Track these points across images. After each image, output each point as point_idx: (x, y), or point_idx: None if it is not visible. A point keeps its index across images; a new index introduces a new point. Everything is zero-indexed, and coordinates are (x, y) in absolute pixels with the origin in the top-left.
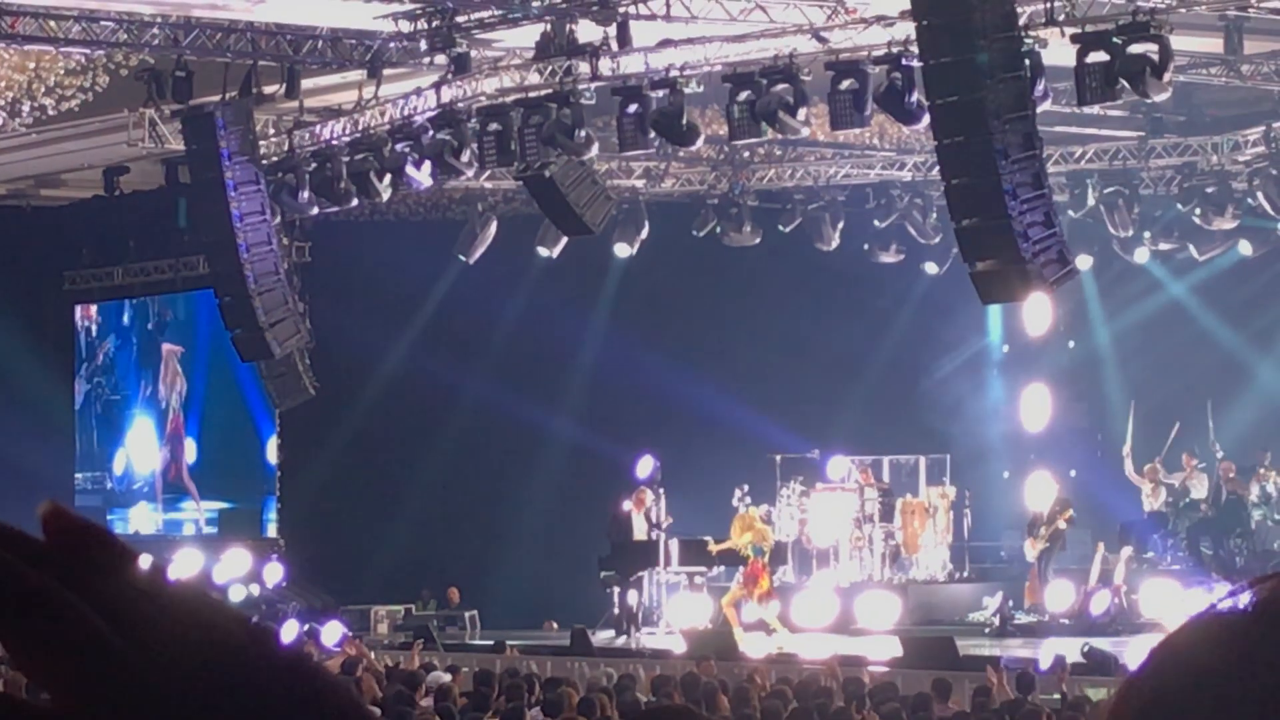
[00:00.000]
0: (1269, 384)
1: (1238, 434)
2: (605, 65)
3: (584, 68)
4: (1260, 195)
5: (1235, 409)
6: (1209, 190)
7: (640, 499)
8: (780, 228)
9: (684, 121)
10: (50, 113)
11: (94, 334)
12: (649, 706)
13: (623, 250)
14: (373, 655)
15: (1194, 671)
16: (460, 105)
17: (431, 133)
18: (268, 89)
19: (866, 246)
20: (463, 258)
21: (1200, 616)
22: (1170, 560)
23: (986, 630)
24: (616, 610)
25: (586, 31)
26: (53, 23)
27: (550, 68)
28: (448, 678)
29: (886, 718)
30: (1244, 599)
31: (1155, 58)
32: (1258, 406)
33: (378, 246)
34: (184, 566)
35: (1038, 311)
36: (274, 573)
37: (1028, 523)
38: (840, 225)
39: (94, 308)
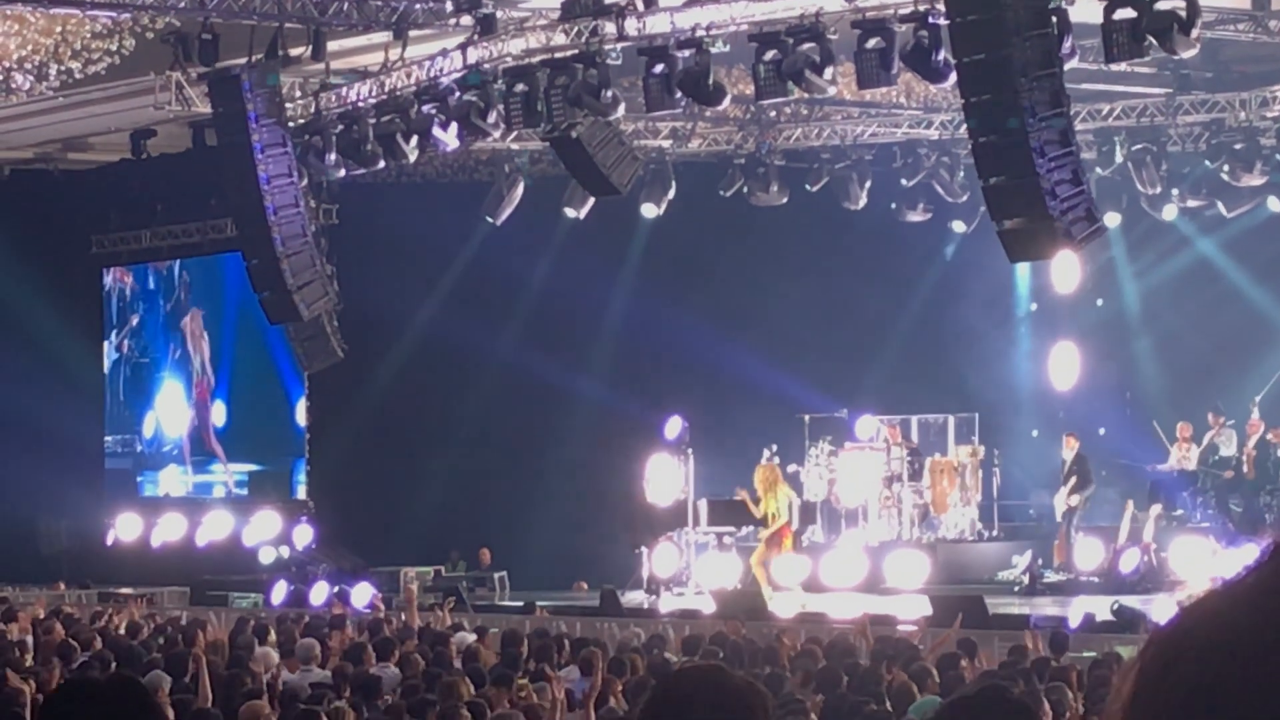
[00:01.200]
0: None
1: (1268, 391)
2: (631, 25)
3: (610, 28)
4: None
5: (1264, 366)
6: (1237, 147)
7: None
8: (807, 187)
9: (710, 81)
10: (77, 76)
11: (127, 297)
12: (682, 665)
13: (650, 211)
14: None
15: (1223, 629)
16: (486, 66)
17: (458, 94)
18: (294, 51)
19: (894, 205)
20: (490, 219)
21: (1231, 578)
22: (1200, 518)
23: (1016, 589)
24: (645, 571)
25: None
26: None
27: (576, 28)
28: (474, 638)
29: (914, 676)
30: (1270, 563)
31: (1183, 14)
32: None
33: (405, 208)
34: (214, 528)
35: (1066, 269)
36: (304, 535)
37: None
38: (867, 184)
39: (128, 273)
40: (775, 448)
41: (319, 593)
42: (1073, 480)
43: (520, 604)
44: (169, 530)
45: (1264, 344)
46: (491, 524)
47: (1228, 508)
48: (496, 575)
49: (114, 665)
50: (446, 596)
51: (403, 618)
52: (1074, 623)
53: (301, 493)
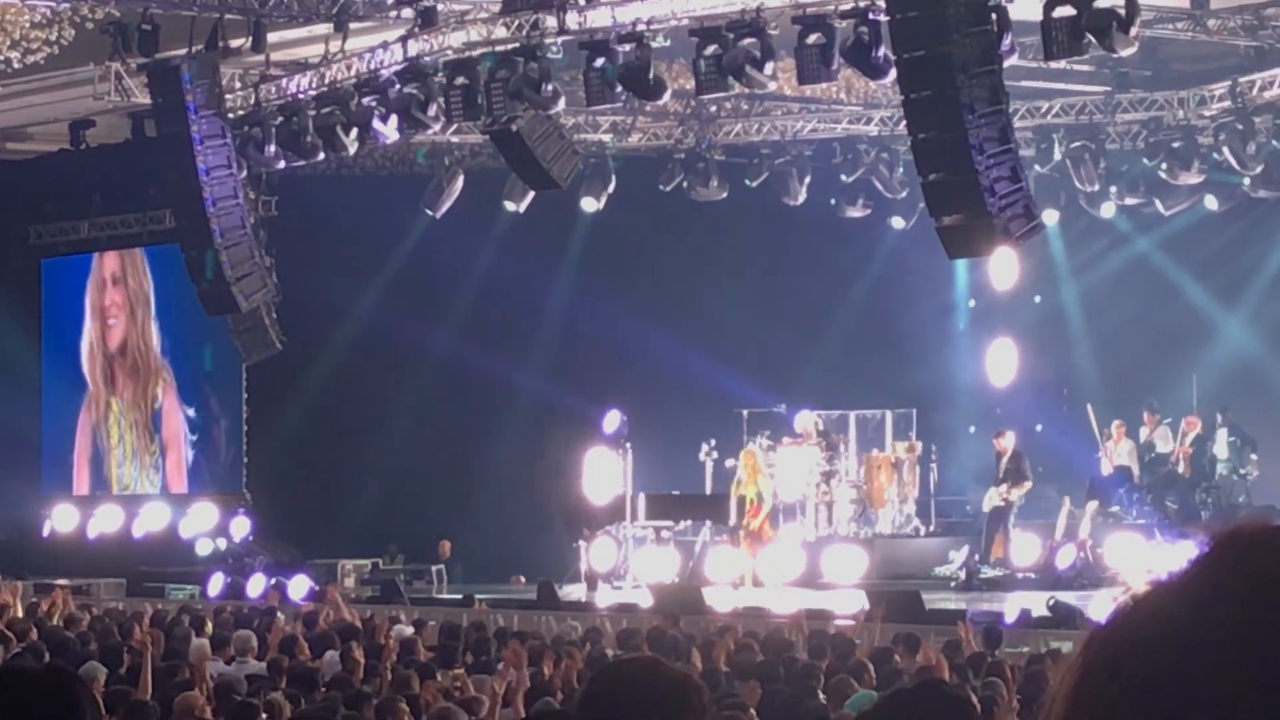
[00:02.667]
0: (1234, 339)
1: (1203, 388)
2: (572, 19)
3: (551, 22)
4: (1226, 150)
5: (1200, 364)
6: (1175, 145)
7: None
8: (747, 182)
9: (651, 76)
10: (16, 66)
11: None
12: (617, 659)
13: (590, 205)
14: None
15: (1166, 627)
16: (427, 59)
17: (398, 86)
18: (234, 42)
19: (833, 201)
20: (429, 212)
21: (1171, 575)
22: (1136, 514)
23: (953, 584)
24: (583, 564)
25: None
26: None
27: (517, 21)
28: (411, 631)
29: (850, 671)
30: (1210, 559)
31: (1122, 12)
32: (1223, 361)
33: (344, 200)
34: (151, 520)
35: (1004, 266)
36: (241, 527)
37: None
38: (807, 180)
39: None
40: (714, 442)
41: (256, 585)
42: (1005, 474)
43: (457, 597)
44: (105, 522)
45: (1200, 342)
46: (430, 517)
47: (1164, 505)
48: (434, 568)
49: (49, 656)
50: (383, 591)
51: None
52: (1010, 618)
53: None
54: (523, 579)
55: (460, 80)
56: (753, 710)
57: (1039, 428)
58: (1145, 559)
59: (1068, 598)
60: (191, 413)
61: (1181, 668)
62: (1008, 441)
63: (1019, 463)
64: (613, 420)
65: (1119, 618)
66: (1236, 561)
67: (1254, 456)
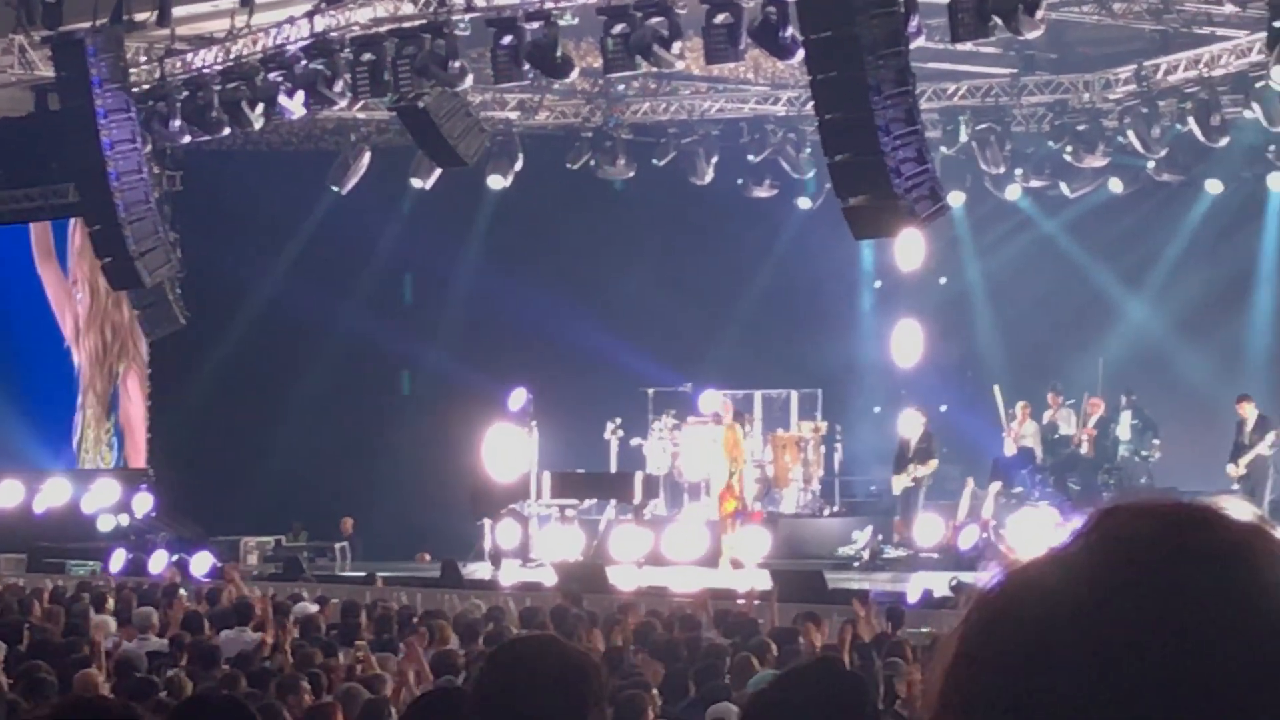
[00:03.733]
0: (1138, 321)
1: (1107, 371)
2: None
3: None
4: (1131, 133)
5: (1104, 346)
6: (1080, 128)
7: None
8: (654, 161)
9: (558, 54)
10: None
11: None
12: (515, 637)
13: (496, 182)
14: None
15: (1046, 593)
16: (334, 34)
17: (304, 62)
18: (139, 16)
19: (740, 181)
20: (335, 188)
21: (1056, 545)
22: (1038, 496)
23: (856, 564)
24: (487, 543)
25: None
26: None
27: None
28: (314, 608)
29: (753, 650)
30: (1086, 533)
31: None
32: (1127, 344)
33: (250, 176)
34: (53, 495)
35: (910, 247)
36: (143, 503)
37: (895, 457)
38: (714, 160)
39: None
40: (619, 420)
41: (158, 561)
42: (932, 463)
43: (361, 574)
44: (6, 496)
45: (1104, 324)
46: (334, 494)
47: (1066, 486)
48: (338, 546)
49: None
50: (286, 568)
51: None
52: (912, 598)
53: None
54: (427, 557)
55: (367, 56)
56: (655, 690)
57: (943, 408)
58: (1047, 540)
59: (970, 578)
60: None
61: (1061, 636)
62: (918, 421)
63: (929, 442)
64: (518, 398)
65: (999, 586)
66: (1110, 534)
67: (1156, 441)
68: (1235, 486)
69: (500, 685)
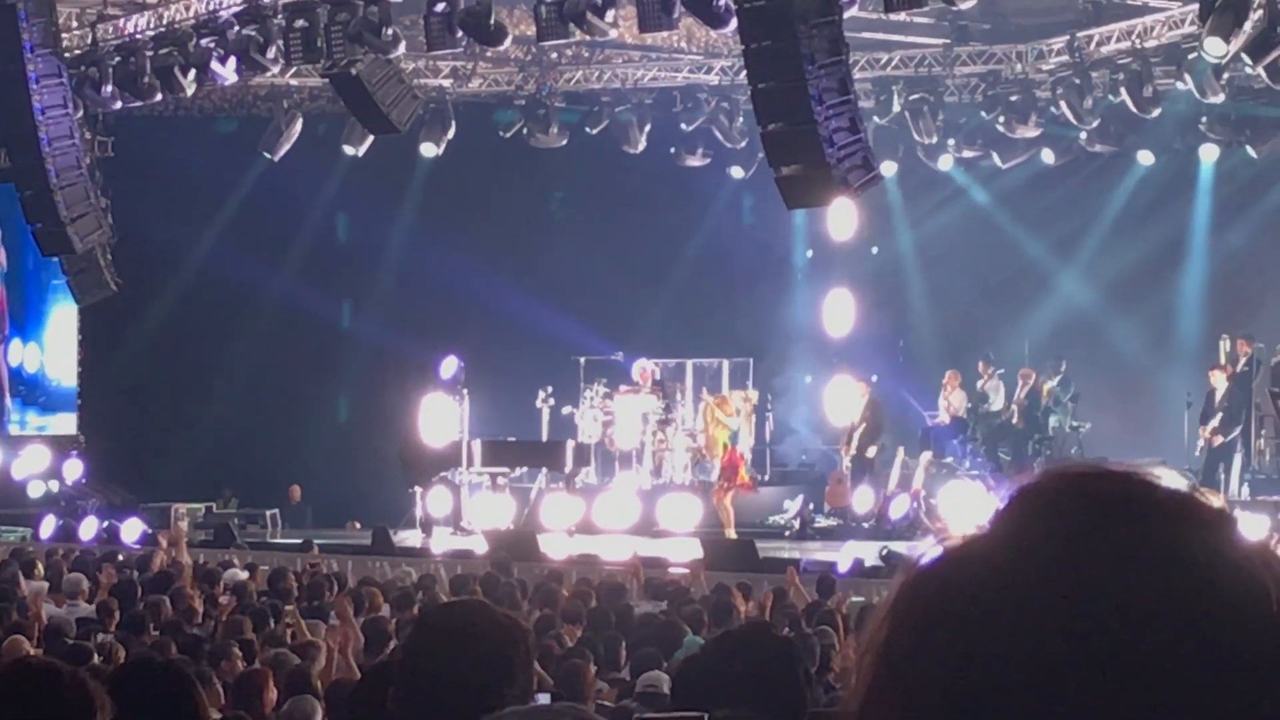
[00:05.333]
0: (1069, 292)
1: (1037, 341)
2: None
3: None
4: (1063, 104)
5: (1035, 316)
6: (1013, 98)
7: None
8: (587, 129)
9: (491, 21)
10: None
11: None
12: (442, 603)
13: (429, 150)
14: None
15: (978, 569)
16: (266, 1)
17: (237, 28)
18: None
19: (673, 150)
20: (268, 155)
21: (989, 519)
22: (969, 465)
23: (787, 533)
24: (419, 510)
25: None
26: None
27: None
28: (244, 575)
29: (686, 619)
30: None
31: None
32: (1058, 314)
33: (182, 142)
34: None
35: (842, 217)
36: (73, 469)
37: (845, 430)
38: (647, 128)
39: None
40: (551, 389)
41: (88, 528)
42: (863, 428)
43: (292, 542)
44: None
45: (1035, 294)
46: (266, 462)
47: (997, 456)
48: (268, 513)
49: None
50: (217, 535)
51: (172, 554)
52: (843, 568)
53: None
54: (358, 525)
55: (299, 23)
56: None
57: (874, 378)
58: (978, 510)
59: (901, 548)
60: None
61: (990, 610)
62: (864, 392)
63: (876, 413)
64: (450, 366)
65: (931, 565)
66: (1045, 504)
67: (1076, 424)
68: (1199, 455)
69: (427, 651)
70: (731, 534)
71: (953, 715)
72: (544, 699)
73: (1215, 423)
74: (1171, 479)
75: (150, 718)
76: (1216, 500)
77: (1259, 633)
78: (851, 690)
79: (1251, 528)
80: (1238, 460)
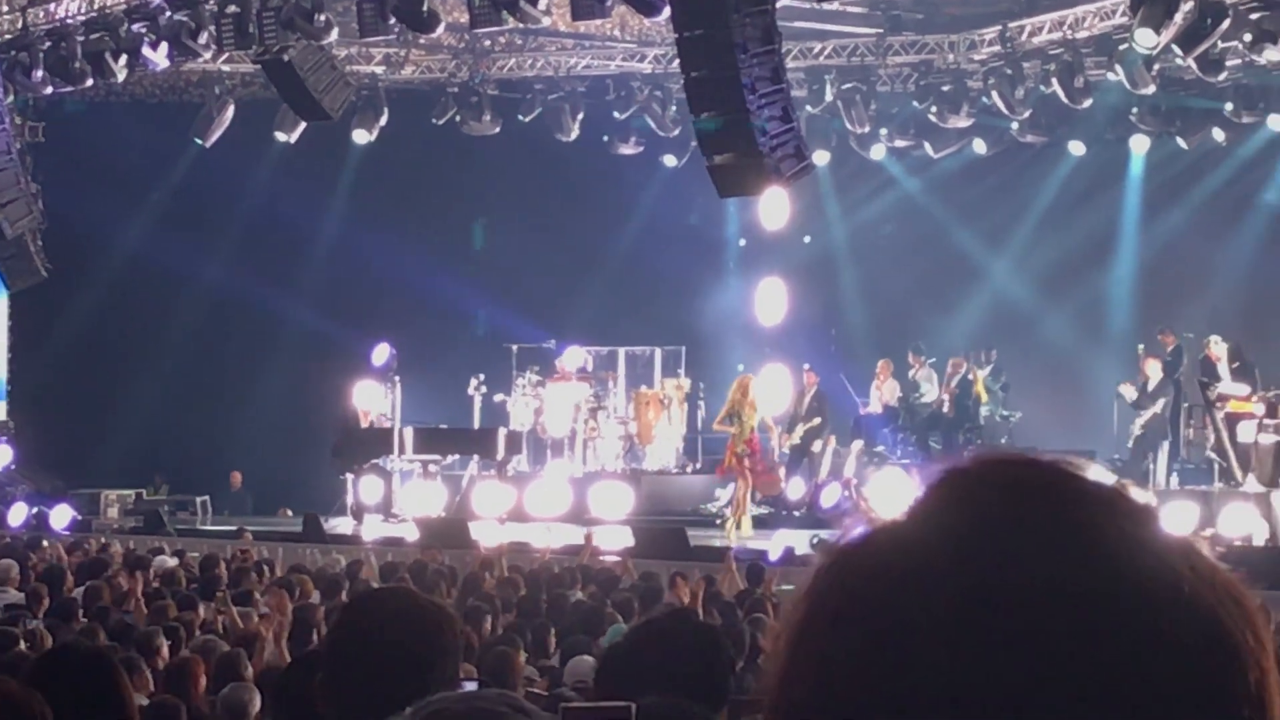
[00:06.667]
0: (1000, 282)
1: (968, 331)
2: None
3: None
4: (995, 95)
5: (966, 306)
6: (945, 88)
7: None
8: (520, 117)
9: (425, 8)
10: None
11: None
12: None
13: (361, 137)
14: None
15: (889, 554)
16: None
17: (169, 13)
18: None
19: (606, 138)
20: (199, 141)
21: (908, 504)
22: (900, 454)
23: (718, 521)
24: (350, 498)
25: None
26: None
27: None
28: (174, 562)
29: (617, 606)
30: (939, 489)
31: None
32: (989, 304)
33: (113, 128)
34: None
35: (774, 206)
36: (2, 455)
37: (788, 418)
38: (580, 116)
39: None
40: (483, 376)
41: (17, 514)
42: (816, 421)
43: (222, 528)
44: None
45: (966, 284)
46: (197, 448)
47: (928, 445)
48: (199, 499)
49: None
50: (147, 521)
51: (103, 540)
52: (774, 556)
53: (1, 412)
54: (289, 511)
55: (231, 8)
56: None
57: (806, 367)
58: (908, 499)
59: (831, 536)
60: None
61: (903, 591)
62: (813, 381)
63: (823, 404)
64: (382, 353)
65: (848, 546)
66: (963, 488)
67: (1006, 414)
68: (1130, 444)
69: (351, 639)
70: (745, 530)
71: (864, 694)
72: (470, 687)
73: (1152, 410)
74: (1097, 472)
75: (74, 704)
76: (1141, 494)
77: (1170, 622)
78: (768, 670)
79: (1180, 517)
80: (1165, 449)
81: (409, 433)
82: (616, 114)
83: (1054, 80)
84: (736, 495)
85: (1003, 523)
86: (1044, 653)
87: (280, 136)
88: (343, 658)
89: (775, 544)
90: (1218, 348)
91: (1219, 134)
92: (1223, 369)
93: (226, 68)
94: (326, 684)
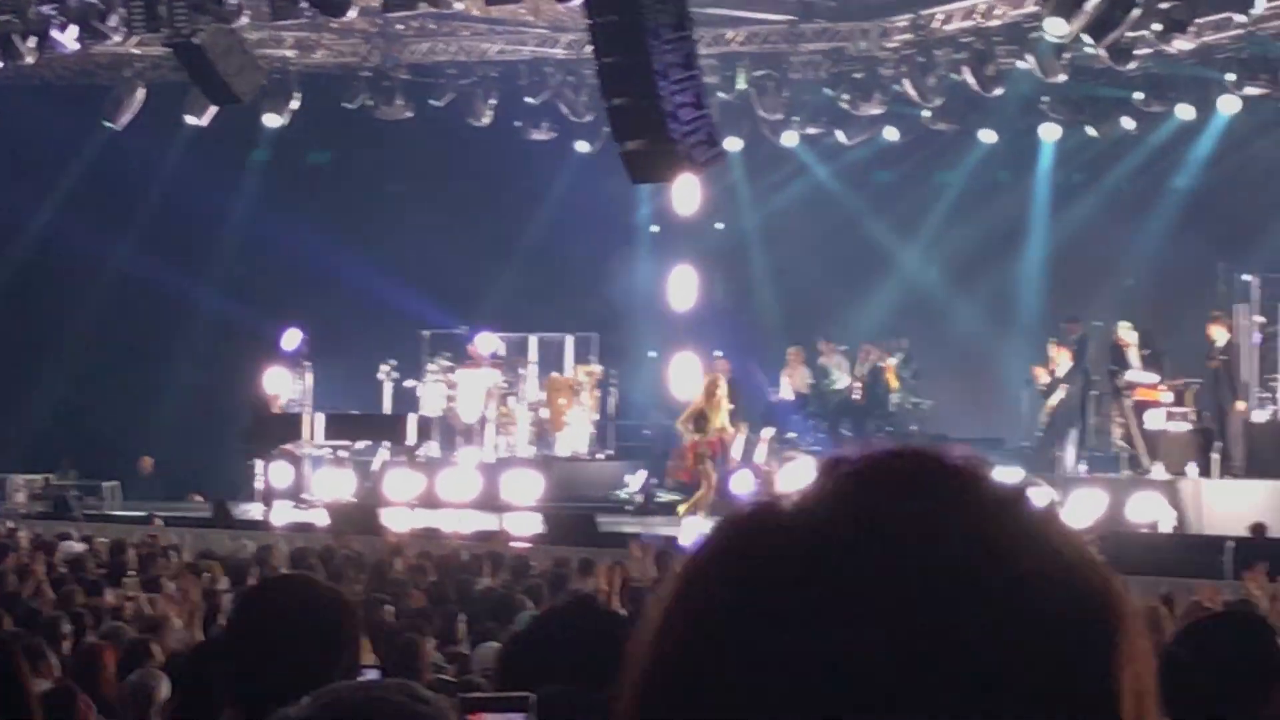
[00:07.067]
0: (911, 270)
1: (879, 318)
2: None
3: None
4: (907, 82)
5: (878, 293)
6: (857, 76)
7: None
8: (433, 102)
9: None
10: None
11: None
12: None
13: (272, 120)
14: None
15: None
16: None
17: None
18: None
19: (519, 124)
20: (109, 124)
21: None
22: (811, 441)
23: (629, 508)
24: (260, 483)
25: None
26: None
27: None
28: (82, 547)
29: (527, 591)
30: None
31: None
32: (900, 291)
33: (22, 111)
34: None
35: (687, 192)
36: None
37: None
38: (493, 102)
39: None
40: (394, 362)
41: None
42: (732, 409)
43: (132, 514)
44: None
45: (877, 272)
46: (106, 433)
47: (838, 432)
48: (107, 485)
49: None
50: (55, 507)
51: (9, 525)
52: (684, 542)
53: None
54: (199, 496)
55: None
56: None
57: (718, 354)
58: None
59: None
60: None
61: (782, 578)
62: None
63: (733, 388)
64: (292, 338)
65: (729, 526)
66: (855, 476)
67: (917, 401)
68: (1039, 433)
69: (251, 629)
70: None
71: (724, 678)
72: (372, 675)
73: (1059, 398)
74: (999, 468)
75: None
76: (1037, 489)
77: (1049, 613)
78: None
79: (1088, 505)
80: (1074, 437)
81: (319, 418)
82: (529, 99)
83: (965, 68)
84: (699, 496)
85: (887, 510)
86: (915, 637)
87: (190, 120)
88: (241, 648)
89: (686, 530)
90: (1128, 334)
91: (1129, 122)
92: (1133, 355)
93: (137, 50)
94: (224, 673)
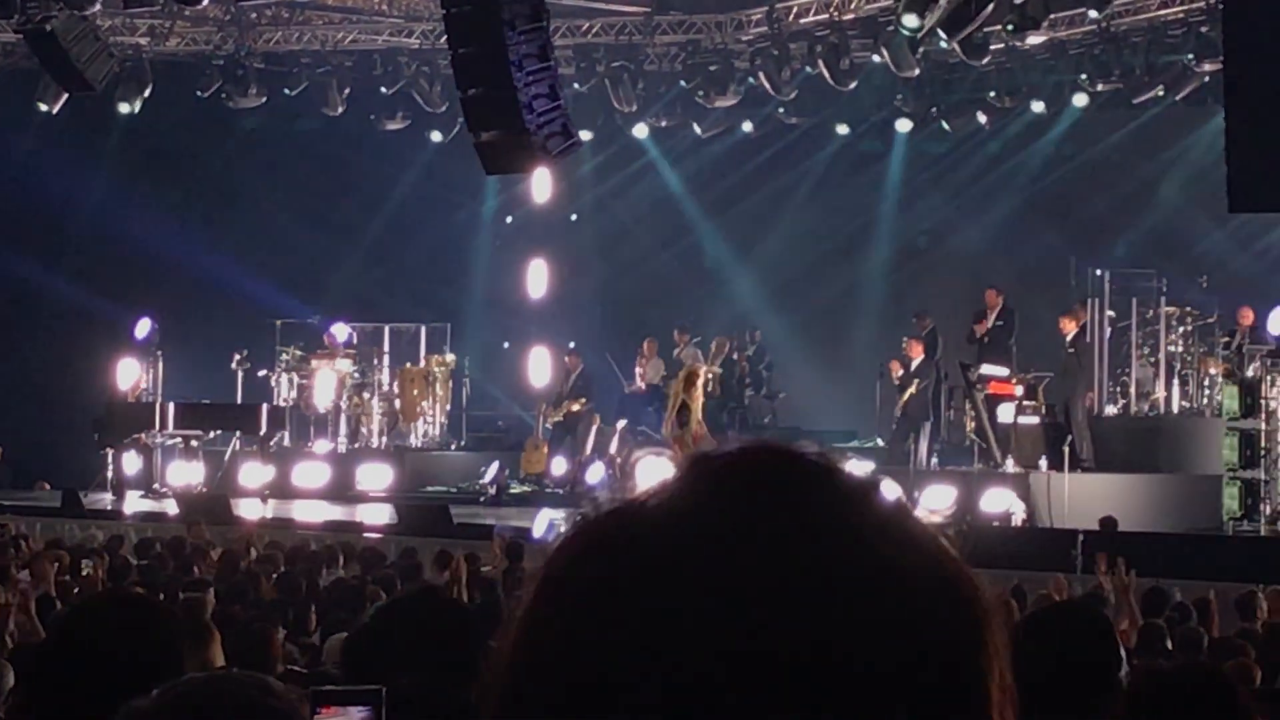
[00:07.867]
0: (766, 262)
1: (734, 310)
2: None
3: None
4: (761, 75)
5: (732, 285)
6: (712, 68)
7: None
8: (286, 91)
9: None
10: None
11: None
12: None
13: (125, 108)
14: None
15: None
16: None
17: None
18: None
19: (373, 116)
20: None
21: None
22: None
23: (482, 499)
24: (110, 472)
25: None
26: None
27: None
28: None
29: (379, 582)
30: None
31: None
32: (754, 284)
33: None
34: None
35: (541, 183)
36: None
37: (554, 395)
38: (346, 91)
39: None
40: (246, 352)
41: None
42: (581, 400)
43: None
44: None
45: (732, 264)
46: None
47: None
48: None
49: None
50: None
51: None
52: (537, 533)
53: None
54: (48, 485)
55: None
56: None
57: (572, 345)
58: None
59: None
60: None
61: (636, 575)
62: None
63: (588, 383)
64: (144, 327)
65: (586, 526)
66: (711, 473)
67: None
68: (892, 425)
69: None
70: None
71: (580, 672)
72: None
73: (910, 391)
74: (853, 463)
75: None
76: (890, 485)
77: (925, 612)
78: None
79: (940, 497)
80: (927, 430)
81: (171, 408)
82: (384, 89)
83: (820, 61)
84: None
85: (744, 508)
86: (780, 635)
87: (42, 107)
88: (54, 671)
89: (540, 521)
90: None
91: (982, 117)
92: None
93: None
94: (34, 695)
